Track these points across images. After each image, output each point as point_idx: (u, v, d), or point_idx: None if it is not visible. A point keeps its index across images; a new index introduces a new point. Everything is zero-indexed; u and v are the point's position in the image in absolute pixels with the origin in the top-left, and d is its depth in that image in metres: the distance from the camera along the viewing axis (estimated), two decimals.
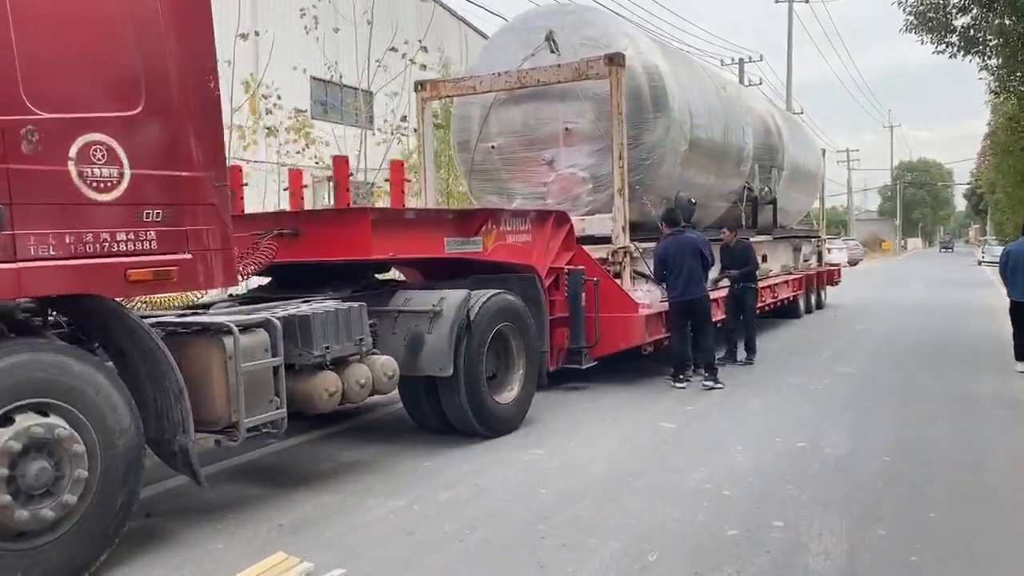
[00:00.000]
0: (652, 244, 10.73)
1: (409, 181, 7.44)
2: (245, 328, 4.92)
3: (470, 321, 6.55)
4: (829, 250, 24.69)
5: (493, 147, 10.68)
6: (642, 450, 6.43)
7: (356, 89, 21.13)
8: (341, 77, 19.94)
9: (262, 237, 6.50)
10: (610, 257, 9.61)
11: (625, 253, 9.62)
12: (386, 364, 5.93)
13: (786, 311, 15.79)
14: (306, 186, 7.41)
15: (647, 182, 10.37)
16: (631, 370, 9.90)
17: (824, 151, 21.11)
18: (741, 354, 10.68)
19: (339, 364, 5.60)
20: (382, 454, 6.45)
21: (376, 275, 7.36)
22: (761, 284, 13.29)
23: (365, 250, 6.35)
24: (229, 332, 4.74)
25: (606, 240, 9.79)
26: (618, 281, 9.50)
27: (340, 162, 6.77)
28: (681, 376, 9.14)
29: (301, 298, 6.24)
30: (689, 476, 5.71)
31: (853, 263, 41.62)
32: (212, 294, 6.96)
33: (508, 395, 7.10)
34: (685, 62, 12.58)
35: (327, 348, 5.44)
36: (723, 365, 9.89)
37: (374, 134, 20.59)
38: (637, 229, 10.36)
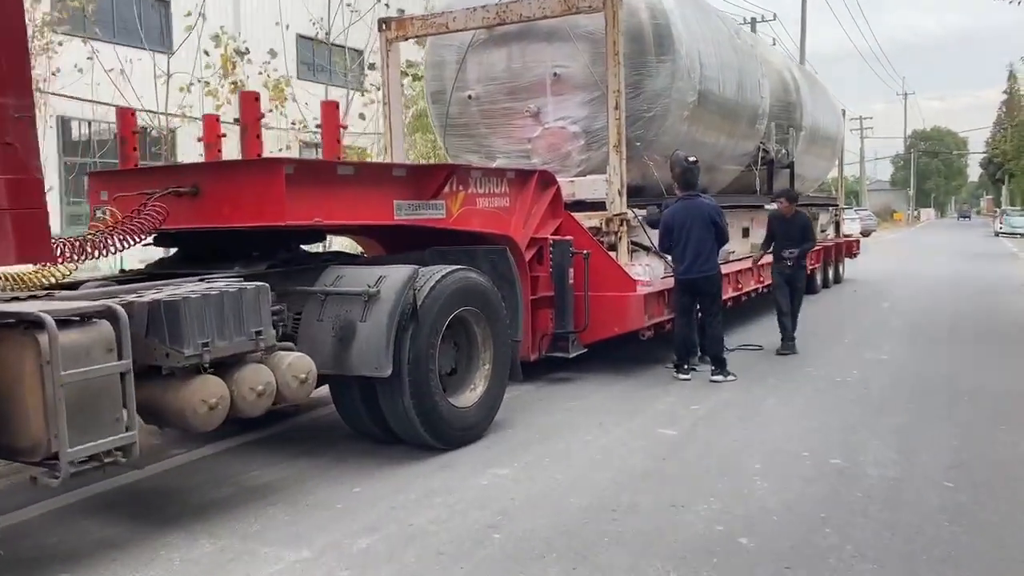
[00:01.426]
0: (655, 210, 9.30)
1: (345, 127, 5.97)
2: (74, 321, 3.52)
3: (417, 306, 5.14)
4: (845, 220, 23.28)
5: (470, 97, 9.20)
6: (634, 472, 5.04)
7: (344, 48, 19.62)
8: (328, 34, 18.42)
9: (151, 197, 5.11)
10: (604, 226, 8.17)
11: (622, 221, 8.17)
12: (296, 364, 4.53)
13: None
14: (223, 135, 5.97)
15: (648, 138, 8.89)
16: (627, 357, 8.50)
17: (844, 111, 19.49)
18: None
19: (226, 366, 4.21)
20: (301, 474, 5.08)
21: (304, 246, 5.94)
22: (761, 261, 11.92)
23: (277, 213, 4.94)
24: (43, 326, 3.34)
25: (600, 206, 8.35)
26: (613, 254, 8.07)
27: (248, 100, 5.31)
28: (685, 366, 7.74)
29: (202, 275, 4.87)
30: (694, 513, 4.33)
31: (866, 234, 40.05)
32: (96, 268, 5.57)
33: (469, 396, 5.71)
34: (693, 2, 11.00)
35: (206, 345, 4.04)
36: (787, 353, 8.82)
37: (362, 95, 19.09)
38: (636, 194, 8.91)
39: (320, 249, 6.82)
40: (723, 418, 6.29)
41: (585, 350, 7.73)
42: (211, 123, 6.20)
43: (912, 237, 44.99)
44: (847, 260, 18.30)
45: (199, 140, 6.14)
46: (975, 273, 19.89)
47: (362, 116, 13.30)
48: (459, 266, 5.64)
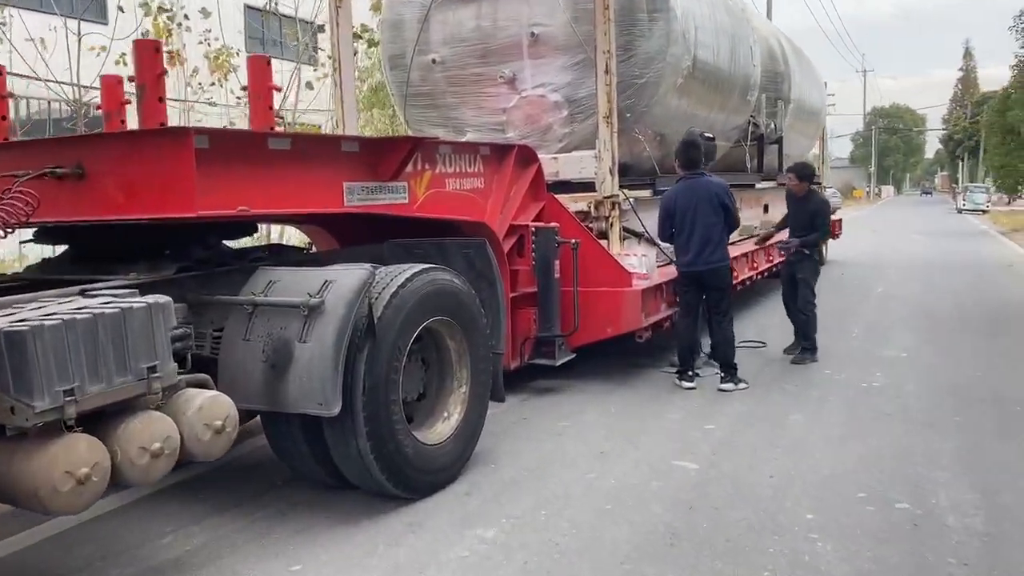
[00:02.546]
0: (645, 193, 8.22)
1: (279, 90, 4.75)
2: None
3: (374, 319, 3.97)
4: None
5: (435, 61, 7.98)
6: (656, 529, 3.94)
7: (295, 19, 18.17)
8: (276, 4, 16.91)
9: (20, 179, 3.85)
10: (592, 210, 7.05)
11: (613, 205, 7.05)
12: (210, 408, 3.33)
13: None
14: (128, 102, 4.71)
15: (639, 109, 7.77)
16: (618, 359, 7.42)
17: (826, 84, 18.56)
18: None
19: (104, 418, 3.00)
20: (224, 541, 3.89)
21: (227, 241, 4.72)
22: (771, 240, 10.88)
23: (185, 202, 3.71)
24: None
25: (587, 187, 7.22)
26: (604, 243, 6.95)
27: (145, 52, 4.03)
28: (690, 372, 6.67)
29: (85, 283, 3.66)
30: None
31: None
32: None
33: (442, 428, 4.56)
34: None
35: (70, 393, 2.82)
36: (805, 362, 7.48)
37: (315, 69, 17.67)
38: (624, 173, 7.79)
39: (250, 243, 5.58)
40: (746, 442, 5.23)
41: (573, 356, 6.63)
42: (111, 86, 4.93)
43: (877, 214, 44.58)
44: (830, 241, 17.46)
45: (97, 109, 4.86)
46: (957, 253, 19.20)
47: (309, 85, 11.95)
48: (427, 264, 4.46)
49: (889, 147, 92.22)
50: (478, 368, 4.73)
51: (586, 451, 5.08)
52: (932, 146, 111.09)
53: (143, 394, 3.10)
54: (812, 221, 7.59)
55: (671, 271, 7.51)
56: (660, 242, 7.78)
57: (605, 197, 6.96)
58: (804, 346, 7.57)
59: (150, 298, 3.24)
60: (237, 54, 16.39)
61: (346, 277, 3.93)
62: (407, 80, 8.24)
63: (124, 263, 4.21)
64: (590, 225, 7.00)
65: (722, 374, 6.59)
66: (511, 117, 7.70)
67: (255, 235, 6.95)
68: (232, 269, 4.33)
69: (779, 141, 13.18)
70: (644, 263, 6.98)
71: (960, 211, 43.74)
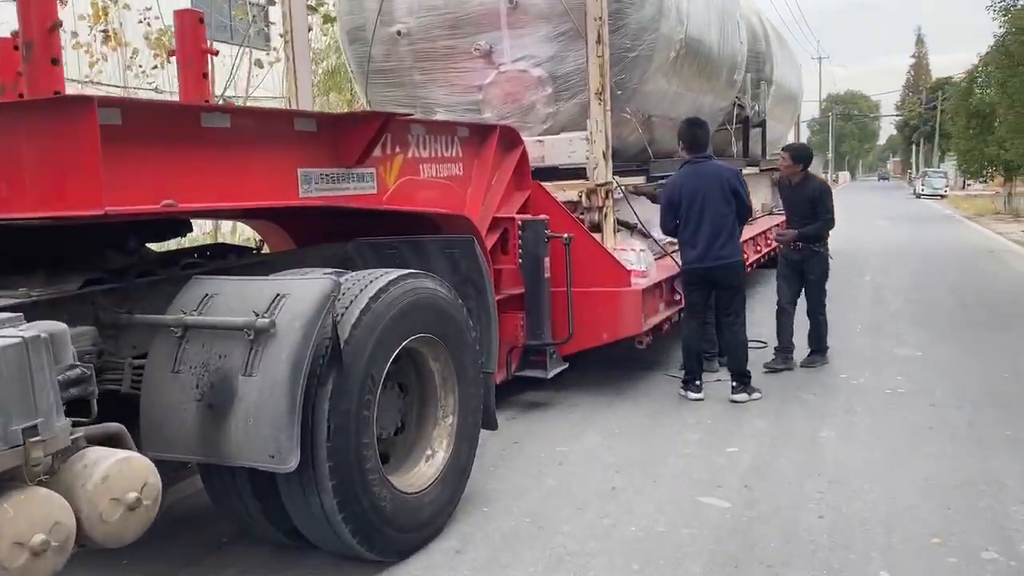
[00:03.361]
0: (639, 180, 7.45)
1: (215, 53, 3.84)
2: None
3: (339, 343, 3.11)
4: None
5: (400, 33, 7.07)
6: None
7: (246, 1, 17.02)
8: None
9: None
10: (584, 200, 6.23)
11: (607, 193, 6.24)
12: (119, 477, 2.43)
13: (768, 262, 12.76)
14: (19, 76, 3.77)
15: (631, 86, 6.96)
16: (613, 363, 6.65)
17: (801, 66, 17.99)
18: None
19: None
20: None
21: (152, 244, 3.81)
22: (756, 230, 10.20)
23: (88, 197, 2.81)
24: None
25: (577, 174, 6.40)
26: (598, 237, 6.14)
27: (34, 2, 3.10)
28: (697, 382, 5.91)
29: None
30: None
31: None
32: None
33: (426, 469, 3.71)
34: None
35: None
36: (816, 365, 6.71)
37: (267, 53, 16.61)
38: (613, 157, 6.98)
39: (185, 243, 4.65)
40: (780, 470, 4.47)
41: (566, 366, 5.83)
42: (4, 50, 3.97)
43: (839, 200, 44.10)
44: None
45: None
46: (932, 239, 18.81)
47: (259, 63, 10.92)
48: (404, 271, 3.59)
49: (844, 133, 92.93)
50: (467, 393, 3.88)
51: (595, 487, 4.27)
52: (885, 132, 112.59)
53: (18, 466, 2.21)
54: (814, 209, 6.62)
55: (668, 265, 6.76)
56: (655, 235, 7.04)
57: (598, 185, 6.15)
58: (814, 348, 6.84)
59: (30, 329, 2.34)
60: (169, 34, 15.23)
61: (303, 290, 3.05)
62: (368, 55, 7.32)
63: (16, 274, 3.29)
64: (581, 216, 6.19)
65: (734, 383, 5.83)
66: (488, 95, 6.84)
67: (190, 235, 6.00)
68: (158, 280, 3.43)
69: (762, 124, 12.55)
70: (643, 259, 6.20)
71: (919, 196, 43.89)
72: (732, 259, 5.73)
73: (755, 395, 5.81)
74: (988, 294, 10.50)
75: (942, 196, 42.04)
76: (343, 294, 3.26)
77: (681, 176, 5.80)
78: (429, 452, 3.77)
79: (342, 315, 3.20)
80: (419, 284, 3.56)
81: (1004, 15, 15.75)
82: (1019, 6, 15.06)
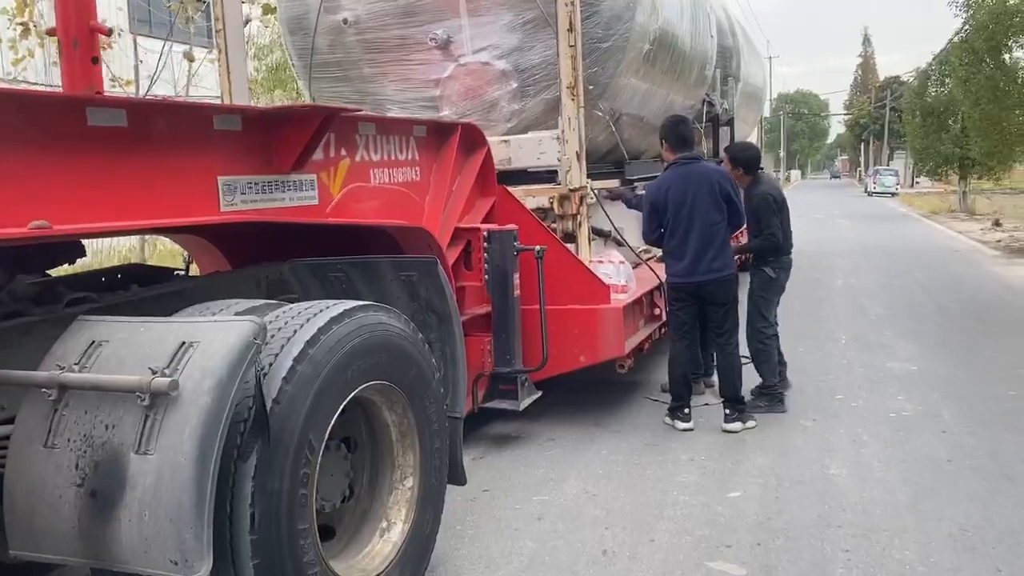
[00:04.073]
0: (614, 183, 6.84)
1: (107, 33, 3.09)
2: None
3: (265, 405, 2.39)
4: None
5: (346, 22, 6.34)
6: None
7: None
8: None
9: None
10: (556, 206, 5.57)
11: (581, 199, 5.59)
12: None
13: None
14: None
15: (603, 80, 6.32)
16: (587, 385, 6.01)
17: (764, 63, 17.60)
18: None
19: None
20: None
21: (25, 274, 3.03)
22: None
23: None
24: None
25: (547, 177, 5.75)
26: (571, 247, 5.49)
27: None
28: (686, 410, 5.29)
29: None
30: None
31: None
32: None
33: (379, 548, 3.01)
34: None
35: None
36: (762, 411, 5.48)
37: (209, 51, 15.70)
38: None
39: (81, 266, 3.85)
40: (794, 520, 3.86)
41: (539, 394, 5.17)
42: None
43: (793, 199, 44.52)
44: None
45: None
46: (895, 239, 18.59)
47: (189, 57, 10.04)
48: (351, 302, 2.89)
49: (795, 132, 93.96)
50: (430, 449, 3.19)
51: (584, 550, 3.61)
52: (833, 130, 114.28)
53: None
54: (758, 222, 5.60)
55: (646, 276, 6.15)
56: (630, 242, 6.42)
57: (572, 190, 5.49)
58: (760, 388, 5.65)
59: None
60: (119, 34, 14.22)
61: (217, 336, 2.33)
62: (311, 47, 6.58)
63: None
64: (553, 225, 5.54)
65: (727, 411, 5.23)
66: (446, 91, 6.14)
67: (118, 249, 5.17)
68: (32, 321, 2.68)
69: (731, 123, 12.04)
70: (622, 272, 5.56)
71: (870, 194, 44.24)
72: (724, 273, 5.12)
73: (750, 423, 5.22)
74: (967, 299, 10.11)
75: (893, 194, 42.40)
76: (271, 338, 2.55)
77: (666, 179, 5.18)
78: (384, 524, 3.07)
79: (269, 366, 2.49)
80: (370, 319, 2.86)
81: (967, 11, 15.50)
82: (982, 1, 14.82)
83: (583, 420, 5.47)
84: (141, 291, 3.21)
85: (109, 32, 3.19)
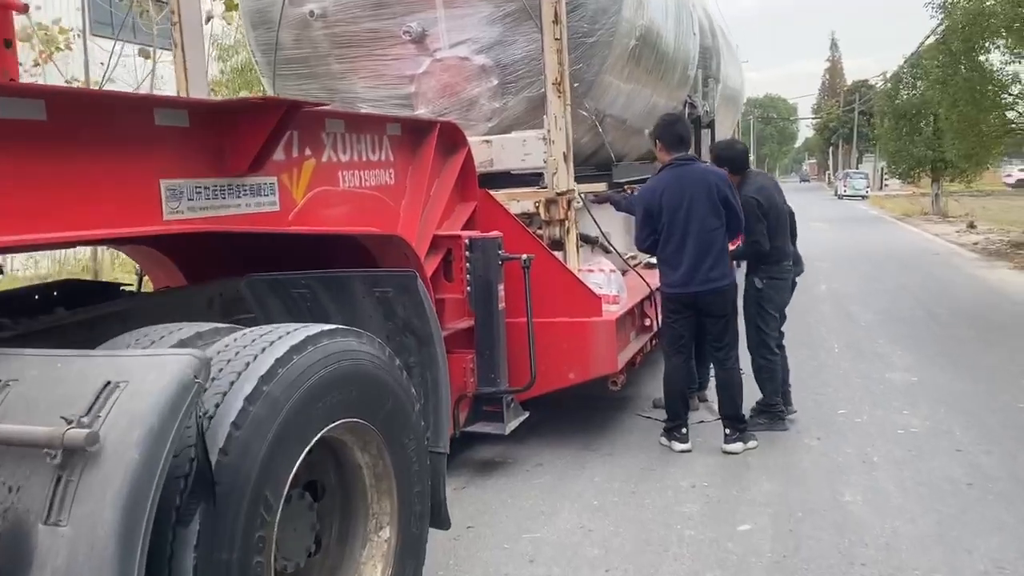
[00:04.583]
0: (601, 186, 6.47)
1: (23, 9, 2.64)
2: None
3: (208, 456, 1.96)
4: None
5: (313, 14, 5.90)
6: None
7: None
8: None
9: None
10: (542, 212, 5.17)
11: (569, 203, 5.20)
12: None
13: None
14: None
15: (588, 77, 5.94)
16: (573, 399, 5.62)
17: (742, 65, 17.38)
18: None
19: None
20: None
21: None
22: None
23: None
24: None
25: (532, 180, 5.35)
26: (559, 256, 5.10)
27: None
28: (683, 430, 4.92)
29: None
30: None
31: None
32: None
33: None
34: None
35: None
36: (761, 428, 5.10)
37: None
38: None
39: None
40: (812, 557, 3.49)
41: (526, 415, 4.76)
42: None
43: None
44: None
45: None
46: (872, 242, 18.44)
47: (144, 54, 9.51)
48: (315, 328, 2.46)
49: (764, 136, 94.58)
50: (410, 494, 2.77)
51: None
52: (802, 134, 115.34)
53: None
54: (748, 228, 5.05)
55: (637, 285, 5.77)
56: (618, 248, 6.05)
57: (559, 193, 5.10)
58: (760, 404, 5.29)
59: None
60: (78, 36, 13.59)
61: (148, 377, 1.90)
62: (276, 42, 6.13)
63: None
64: (539, 232, 5.14)
65: (727, 430, 4.86)
66: (421, 88, 5.73)
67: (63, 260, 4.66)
68: None
69: (711, 125, 11.74)
70: (613, 281, 5.18)
71: (840, 197, 44.40)
72: (723, 283, 4.75)
73: (751, 444, 4.86)
74: (955, 303, 9.88)
75: (863, 197, 42.59)
76: (219, 372, 2.12)
77: (661, 181, 4.79)
78: None
79: (216, 408, 2.06)
80: (338, 346, 2.43)
81: (943, 12, 15.38)
82: (959, 2, 14.69)
83: (572, 442, 5.07)
84: (67, 315, 2.75)
85: (25, 8, 2.73)
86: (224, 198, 2.96)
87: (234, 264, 3.56)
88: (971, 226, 20.83)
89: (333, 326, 2.47)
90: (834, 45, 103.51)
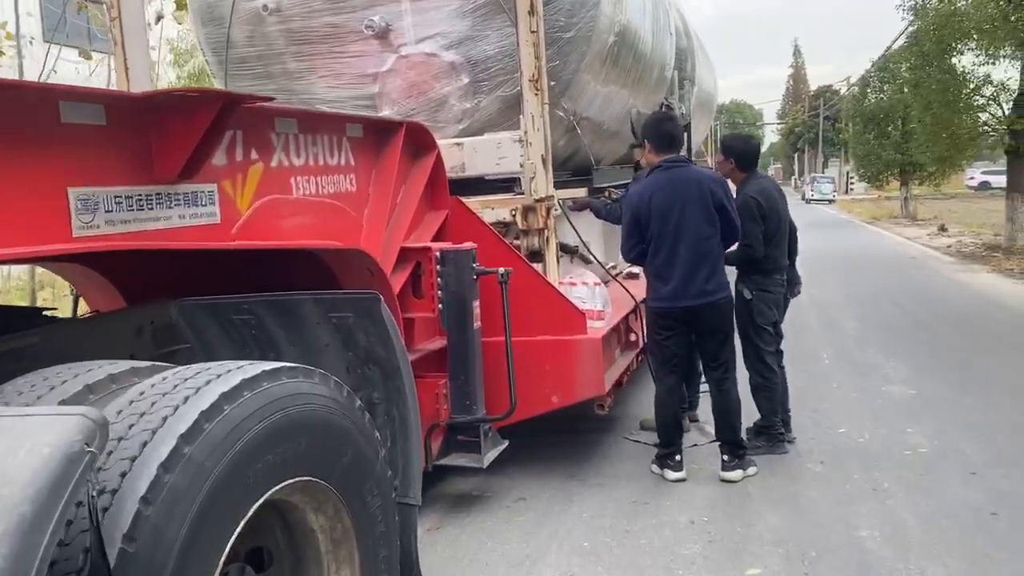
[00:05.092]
0: (581, 192, 6.08)
1: None
2: None
3: (102, 547, 1.50)
4: None
5: (267, 9, 5.43)
6: None
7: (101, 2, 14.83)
8: None
9: None
10: (519, 220, 4.74)
11: (548, 211, 4.77)
12: None
13: None
14: None
15: (565, 75, 5.52)
16: (555, 422, 5.19)
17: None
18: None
19: None
20: None
21: None
22: None
23: None
24: None
25: (506, 186, 4.93)
26: (539, 268, 4.67)
27: None
28: (677, 457, 4.50)
29: None
30: None
31: None
32: None
33: None
34: None
35: None
36: (760, 452, 4.73)
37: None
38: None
39: None
40: None
41: (505, 445, 4.32)
42: None
43: None
44: None
45: None
46: (846, 246, 18.27)
47: (85, 54, 8.93)
48: (257, 366, 2.00)
49: None
50: (374, 559, 2.31)
51: None
52: (767, 139, 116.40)
53: None
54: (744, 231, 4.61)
55: (620, 297, 5.37)
56: (598, 257, 5.66)
57: (537, 200, 4.67)
58: (758, 426, 4.90)
59: None
60: (31, 42, 12.92)
61: (21, 447, 1.43)
62: (227, 38, 5.65)
63: None
64: (516, 242, 4.71)
65: (725, 457, 4.46)
66: (385, 87, 5.27)
67: None
68: None
69: (688, 128, 11.40)
70: (598, 295, 4.76)
71: (808, 201, 44.61)
72: (719, 296, 4.35)
73: (751, 470, 4.47)
74: (941, 310, 9.62)
75: (830, 201, 42.82)
76: (127, 433, 1.66)
77: (649, 186, 4.38)
78: None
79: (121, 480, 1.60)
80: (284, 390, 1.98)
81: (914, 14, 15.26)
82: (930, 4, 14.57)
83: (556, 471, 4.64)
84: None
85: None
86: (151, 209, 2.51)
87: (183, 285, 3.09)
88: (942, 229, 20.80)
89: (277, 365, 2.02)
90: (797, 51, 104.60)
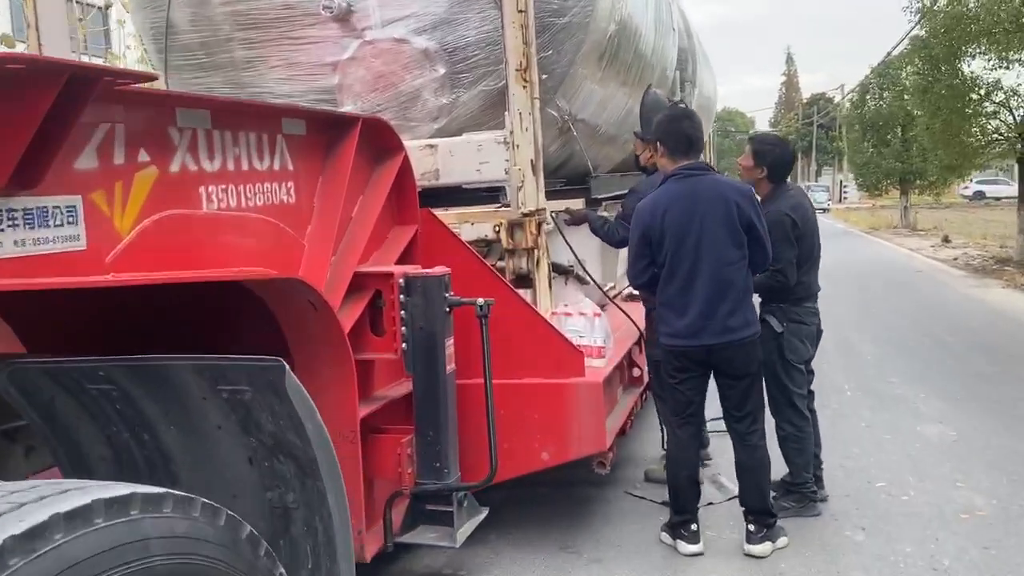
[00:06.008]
0: (578, 203, 5.32)
1: None
2: None
3: None
4: None
5: None
6: None
7: (81, 3, 14.13)
8: None
9: None
10: (504, 238, 3.95)
11: (539, 227, 3.99)
12: None
13: None
14: None
15: (558, 69, 4.76)
16: (545, 476, 4.41)
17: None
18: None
19: None
20: None
21: None
22: None
23: None
24: None
25: (488, 197, 4.16)
26: (525, 294, 3.89)
27: None
28: (693, 526, 3.73)
29: None
30: None
31: None
32: None
33: None
34: None
35: None
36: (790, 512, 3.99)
37: (105, 59, 13.84)
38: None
39: None
40: None
41: (485, 513, 3.53)
42: None
43: None
44: None
45: None
46: (849, 258, 17.49)
47: (9, 43, 8.11)
48: (87, 492, 1.22)
49: (723, 150, 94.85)
50: None
51: None
52: None
53: None
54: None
55: (620, 323, 4.61)
56: (596, 278, 4.89)
57: (526, 214, 3.89)
58: (787, 483, 4.14)
59: None
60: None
61: None
62: (167, 25, 4.87)
63: None
64: (499, 265, 3.93)
65: (751, 527, 3.68)
66: (347, 78, 4.49)
67: None
68: None
69: None
70: (598, 328, 3.97)
71: None
72: (745, 333, 3.56)
73: (781, 541, 3.70)
74: (963, 330, 8.90)
75: (825, 210, 42.28)
76: None
77: (663, 197, 3.61)
78: None
79: None
80: (129, 533, 1.19)
81: (922, 17, 14.59)
82: (938, 6, 13.91)
83: (546, 539, 3.86)
84: None
85: None
86: None
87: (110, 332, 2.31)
88: (946, 240, 20.17)
89: (126, 491, 1.23)
90: (790, 59, 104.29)
